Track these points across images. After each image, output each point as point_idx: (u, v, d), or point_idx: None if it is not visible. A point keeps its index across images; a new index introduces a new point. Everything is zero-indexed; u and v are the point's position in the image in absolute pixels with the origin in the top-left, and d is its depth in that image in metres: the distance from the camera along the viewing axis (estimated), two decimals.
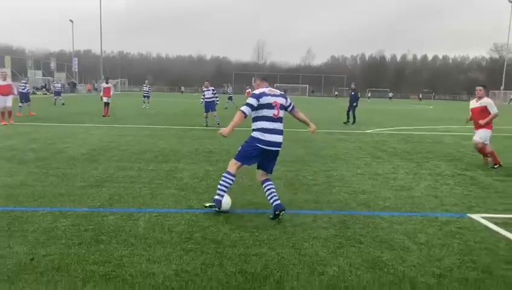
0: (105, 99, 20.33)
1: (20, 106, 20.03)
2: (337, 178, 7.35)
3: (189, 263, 3.67)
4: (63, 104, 28.87)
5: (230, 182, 5.13)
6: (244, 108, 5.01)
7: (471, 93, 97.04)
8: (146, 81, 30.89)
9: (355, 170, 8.15)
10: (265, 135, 5.01)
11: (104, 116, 19.43)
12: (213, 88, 17.02)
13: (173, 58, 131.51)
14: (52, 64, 70.43)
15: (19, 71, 57.48)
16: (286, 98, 5.26)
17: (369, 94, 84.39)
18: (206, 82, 17.32)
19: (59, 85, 32.12)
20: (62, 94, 31.49)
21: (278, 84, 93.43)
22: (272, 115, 5.03)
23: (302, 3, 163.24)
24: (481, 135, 8.74)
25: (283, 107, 5.18)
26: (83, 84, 76.48)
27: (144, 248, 3.95)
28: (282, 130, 5.14)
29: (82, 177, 6.84)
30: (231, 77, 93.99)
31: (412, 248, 4.17)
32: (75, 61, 71.14)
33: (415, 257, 3.94)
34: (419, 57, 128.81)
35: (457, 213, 5.43)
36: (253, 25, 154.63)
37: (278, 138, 5.08)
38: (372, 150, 11.02)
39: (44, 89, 53.69)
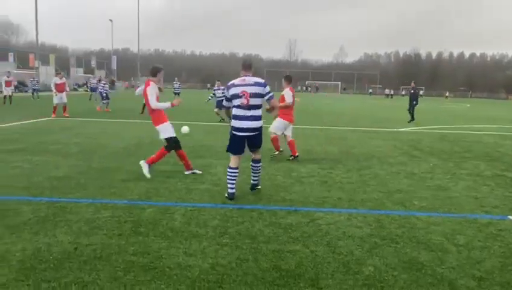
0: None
1: (103, 103, 21.21)
2: (371, 177, 7.26)
3: (225, 257, 3.74)
4: (95, 99, 29.78)
5: (231, 174, 5.60)
6: (224, 102, 5.76)
7: (510, 92, 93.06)
8: (176, 78, 31.50)
9: (390, 169, 8.01)
10: (236, 121, 5.50)
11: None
12: (223, 87, 17.53)
13: (206, 56, 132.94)
14: (93, 62, 72.73)
15: (62, 69, 59.68)
16: (264, 86, 5.52)
17: (403, 92, 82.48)
18: (217, 82, 18.36)
19: (95, 82, 33.21)
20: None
21: (310, 82, 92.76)
22: (240, 103, 5.42)
23: (335, 0, 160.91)
24: None
25: (257, 96, 5.46)
26: (121, 82, 78.59)
27: (180, 241, 4.05)
28: (255, 116, 5.49)
29: (121, 170, 7.07)
30: (263, 74, 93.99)
31: (451, 249, 4.08)
32: (114, 59, 73.12)
33: (454, 258, 3.86)
34: (455, 54, 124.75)
35: (498, 215, 5.25)
36: (285, 22, 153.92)
37: (249, 124, 5.46)
38: (408, 149, 10.79)
39: (85, 86, 55.60)
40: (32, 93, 31.64)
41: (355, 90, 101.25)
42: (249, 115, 5.46)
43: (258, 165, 5.91)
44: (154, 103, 6.57)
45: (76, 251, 3.74)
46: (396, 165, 8.48)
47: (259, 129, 5.60)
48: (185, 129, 7.34)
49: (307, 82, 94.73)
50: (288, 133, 8.88)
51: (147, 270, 3.41)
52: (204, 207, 5.19)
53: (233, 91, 5.46)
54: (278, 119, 8.66)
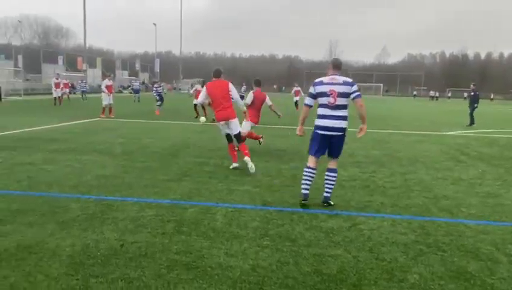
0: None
1: (158, 105, 21.63)
2: (415, 182, 7.04)
3: (265, 259, 3.74)
4: (138, 101, 30.73)
5: (307, 174, 5.46)
6: (307, 99, 5.46)
7: None
8: (243, 82, 31.99)
9: (436, 174, 7.73)
10: (321, 120, 5.33)
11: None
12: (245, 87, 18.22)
13: (246, 58, 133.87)
14: (137, 65, 75.13)
15: (108, 71, 62.04)
16: (351, 86, 5.31)
17: (449, 94, 79.45)
18: (244, 85, 18.96)
19: (137, 84, 34.35)
20: (141, 92, 33.56)
21: None
22: (326, 102, 5.27)
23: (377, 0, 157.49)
24: None
25: (344, 95, 5.28)
26: (163, 84, 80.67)
27: (221, 242, 4.10)
28: (340, 116, 5.33)
29: (164, 170, 7.24)
30: (302, 76, 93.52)
31: (502, 259, 3.88)
32: (157, 62, 75.20)
33: (505, 269, 3.67)
34: (506, 55, 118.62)
35: None
36: (325, 23, 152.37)
37: (334, 123, 5.28)
38: (455, 153, 10.38)
39: (129, 88, 57.60)
40: (82, 95, 33.10)
41: (398, 92, 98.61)
42: (334, 114, 5.29)
43: (334, 175, 5.50)
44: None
45: (122, 247, 3.86)
46: (442, 170, 8.18)
47: (343, 130, 5.38)
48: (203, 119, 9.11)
49: None
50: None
51: (189, 269, 3.47)
52: (245, 208, 5.23)
53: (321, 89, 5.30)
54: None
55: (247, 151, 7.50)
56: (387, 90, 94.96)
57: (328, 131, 5.32)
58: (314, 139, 5.46)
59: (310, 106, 5.51)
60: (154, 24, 72.72)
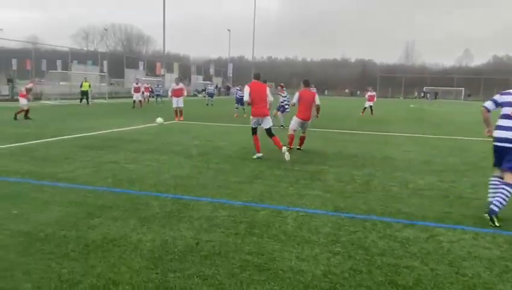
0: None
1: (236, 108, 22.56)
2: None
3: (337, 265, 3.69)
4: (211, 104, 31.68)
5: (491, 183, 5.41)
6: (487, 103, 5.36)
7: None
8: (281, 84, 31.90)
9: None
10: (501, 132, 5.15)
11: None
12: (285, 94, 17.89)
13: (317, 62, 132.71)
14: (211, 70, 77.76)
15: (184, 76, 64.91)
16: None
17: None
18: (280, 86, 18.14)
19: (212, 88, 35.51)
20: (215, 97, 34.59)
21: (428, 87, 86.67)
22: (509, 112, 5.12)
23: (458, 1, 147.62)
24: None
25: None
26: (236, 87, 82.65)
27: (292, 245, 4.11)
28: None
29: (236, 173, 7.43)
30: (376, 79, 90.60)
31: None
32: (230, 66, 77.24)
33: None
34: None
35: None
36: (401, 24, 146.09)
37: (509, 134, 5.05)
38: None
39: (204, 92, 59.88)
40: (156, 98, 34.88)
41: (482, 97, 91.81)
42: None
43: (508, 190, 5.04)
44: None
45: (197, 245, 4.03)
46: None
47: None
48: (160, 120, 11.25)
49: (424, 88, 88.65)
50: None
51: (261, 271, 3.53)
52: (316, 213, 5.19)
53: (508, 98, 5.20)
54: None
55: (280, 143, 8.85)
56: (469, 95, 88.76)
57: (505, 143, 5.10)
58: (495, 152, 5.28)
59: (489, 110, 5.39)
60: (229, 30, 74.86)
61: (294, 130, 10.33)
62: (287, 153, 8.60)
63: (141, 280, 3.31)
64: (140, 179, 6.70)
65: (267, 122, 9.08)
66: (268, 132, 9.07)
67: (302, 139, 10.55)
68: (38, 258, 3.64)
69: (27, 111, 16.36)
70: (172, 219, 4.78)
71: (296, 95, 10.34)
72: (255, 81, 9.20)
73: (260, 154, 9.01)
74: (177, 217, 4.84)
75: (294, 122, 10.33)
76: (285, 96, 17.20)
